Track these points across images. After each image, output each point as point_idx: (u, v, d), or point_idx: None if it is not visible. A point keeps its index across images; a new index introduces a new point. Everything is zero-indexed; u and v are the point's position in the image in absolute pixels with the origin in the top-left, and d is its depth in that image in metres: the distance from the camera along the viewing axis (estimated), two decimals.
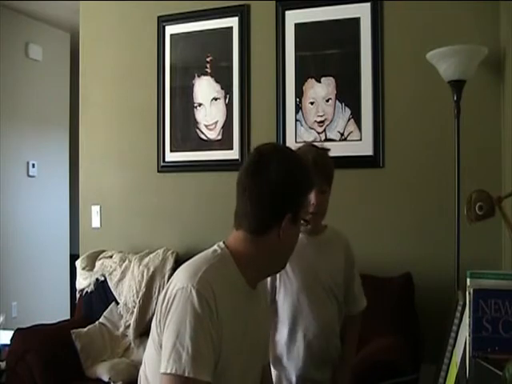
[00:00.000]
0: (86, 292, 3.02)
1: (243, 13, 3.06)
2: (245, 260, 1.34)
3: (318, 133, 2.90)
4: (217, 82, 3.13)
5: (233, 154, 3.02)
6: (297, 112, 2.94)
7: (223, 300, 1.25)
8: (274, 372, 1.74)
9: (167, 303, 1.25)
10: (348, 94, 2.85)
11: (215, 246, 1.37)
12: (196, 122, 3.18)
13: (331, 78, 2.88)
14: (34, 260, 4.67)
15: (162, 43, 3.26)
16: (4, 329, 3.13)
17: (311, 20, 2.92)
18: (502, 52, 2.54)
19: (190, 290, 1.22)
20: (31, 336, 2.60)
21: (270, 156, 1.36)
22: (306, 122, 2.92)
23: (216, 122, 3.13)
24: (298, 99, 2.94)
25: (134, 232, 3.30)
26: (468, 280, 1.05)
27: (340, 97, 2.86)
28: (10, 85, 4.53)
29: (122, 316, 2.86)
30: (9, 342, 2.62)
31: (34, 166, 4.76)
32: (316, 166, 1.65)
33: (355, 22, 2.83)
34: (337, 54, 2.87)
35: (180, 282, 1.26)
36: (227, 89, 3.10)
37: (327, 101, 2.88)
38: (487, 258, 2.53)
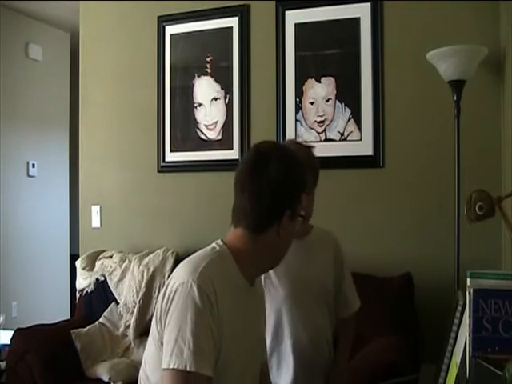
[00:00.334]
0: (86, 292, 3.02)
1: (243, 13, 3.06)
2: (243, 257, 1.35)
3: (318, 133, 2.90)
4: (217, 81, 3.13)
5: (233, 154, 3.02)
6: (297, 112, 2.94)
7: (223, 296, 1.25)
8: None
9: (168, 299, 1.25)
10: (348, 94, 2.85)
11: (213, 244, 1.38)
12: (196, 122, 3.18)
13: (331, 78, 2.88)
14: (34, 260, 4.67)
15: (162, 43, 3.26)
16: (4, 329, 3.13)
17: (311, 20, 2.92)
18: (502, 52, 2.54)
19: (191, 285, 1.22)
20: (31, 336, 2.60)
21: (269, 154, 1.37)
22: (306, 122, 2.92)
23: (216, 122, 3.13)
24: (298, 99, 2.94)
25: (134, 232, 3.30)
26: (468, 280, 1.05)
27: (340, 97, 2.86)
28: (10, 85, 4.53)
29: (121, 316, 2.86)
30: (9, 342, 2.62)
31: (34, 166, 4.76)
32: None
33: (355, 22, 2.83)
34: (337, 53, 2.87)
35: (180, 277, 1.26)
36: (227, 89, 3.10)
37: (327, 101, 2.88)
38: (487, 258, 2.53)
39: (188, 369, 1.17)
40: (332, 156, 2.87)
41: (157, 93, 3.25)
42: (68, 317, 3.97)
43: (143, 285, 2.83)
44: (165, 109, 3.24)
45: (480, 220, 1.64)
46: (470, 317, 1.00)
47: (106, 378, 2.52)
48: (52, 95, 4.94)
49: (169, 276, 1.50)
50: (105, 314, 2.90)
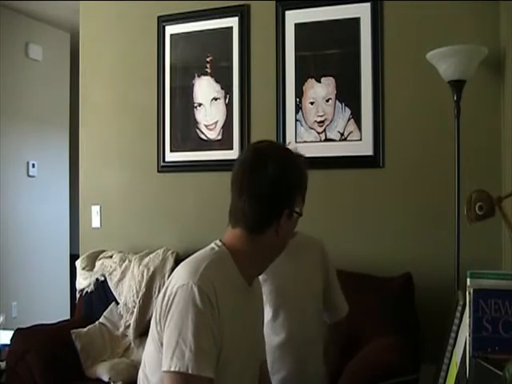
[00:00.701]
0: (86, 292, 3.02)
1: (243, 13, 3.06)
2: (242, 257, 1.35)
3: (318, 133, 2.90)
4: (217, 81, 3.13)
5: (233, 154, 3.02)
6: (297, 112, 2.94)
7: (224, 297, 1.25)
8: None
9: (168, 300, 1.24)
10: (348, 94, 2.85)
11: (212, 244, 1.38)
12: (196, 122, 3.18)
13: (331, 78, 2.88)
14: (34, 260, 4.67)
15: (162, 43, 3.25)
16: (4, 329, 3.13)
17: (311, 20, 2.92)
18: (502, 52, 2.54)
19: (192, 287, 1.22)
20: (31, 336, 2.60)
21: (267, 154, 1.37)
22: (306, 122, 2.92)
23: (216, 122, 3.13)
24: (298, 99, 2.94)
25: (133, 232, 3.30)
26: (468, 280, 1.05)
27: (340, 97, 2.86)
28: (10, 85, 4.53)
29: (121, 316, 2.86)
30: (9, 342, 2.62)
31: (34, 166, 4.76)
32: None
33: (355, 22, 2.82)
34: (337, 53, 2.87)
35: (181, 279, 1.26)
36: (227, 89, 3.10)
37: (327, 101, 2.88)
38: (487, 258, 2.53)
39: (190, 371, 1.17)
40: (332, 156, 2.87)
41: (157, 93, 3.25)
42: (68, 317, 3.97)
43: (143, 285, 2.83)
44: (165, 109, 3.24)
45: (480, 220, 1.64)
46: (469, 317, 1.00)
47: (106, 378, 2.52)
48: (52, 95, 4.95)
49: (169, 276, 1.51)
50: (105, 314, 2.90)
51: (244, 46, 3.05)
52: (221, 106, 3.12)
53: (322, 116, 2.89)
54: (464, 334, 1.03)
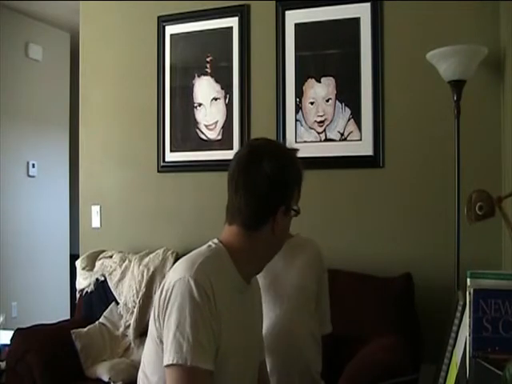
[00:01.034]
0: (86, 292, 3.02)
1: (243, 13, 3.06)
2: (239, 255, 1.35)
3: (318, 133, 2.90)
4: (217, 82, 3.13)
5: (233, 154, 3.00)
6: (297, 112, 2.94)
7: (220, 292, 1.25)
8: None
9: (165, 296, 1.25)
10: (348, 94, 2.85)
11: (209, 242, 1.38)
12: (196, 122, 3.18)
13: (331, 78, 2.88)
14: (34, 260, 4.67)
15: (162, 43, 3.25)
16: (4, 329, 3.13)
17: (311, 20, 2.92)
18: (502, 52, 2.54)
19: (188, 281, 1.22)
20: (31, 336, 2.60)
21: (263, 150, 1.38)
22: (306, 122, 2.92)
23: (216, 122, 3.13)
24: (298, 99, 2.94)
25: (133, 232, 3.30)
26: (468, 280, 1.05)
27: (340, 97, 2.86)
28: (10, 85, 4.53)
29: (121, 316, 2.86)
30: (9, 342, 2.62)
31: (34, 166, 4.76)
32: None
33: (355, 22, 2.82)
34: (337, 53, 2.87)
35: (177, 273, 1.26)
36: (227, 89, 3.10)
37: (327, 101, 2.88)
38: (487, 258, 2.53)
39: (188, 363, 1.17)
40: (332, 156, 2.87)
41: (157, 93, 3.25)
42: (68, 317, 3.97)
43: (143, 285, 2.83)
44: (165, 109, 3.24)
45: (480, 220, 1.63)
46: (470, 317, 1.00)
47: (106, 378, 2.52)
48: (52, 95, 4.95)
49: None
50: (105, 314, 2.90)
51: (244, 46, 3.05)
52: (221, 106, 3.12)
53: (322, 116, 2.89)
54: (464, 334, 1.03)
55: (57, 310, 4.30)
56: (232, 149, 3.04)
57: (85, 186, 3.48)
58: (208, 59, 3.15)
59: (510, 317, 0.99)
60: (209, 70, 3.15)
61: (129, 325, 2.80)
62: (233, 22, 3.08)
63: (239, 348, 1.32)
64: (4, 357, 2.73)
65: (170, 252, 2.94)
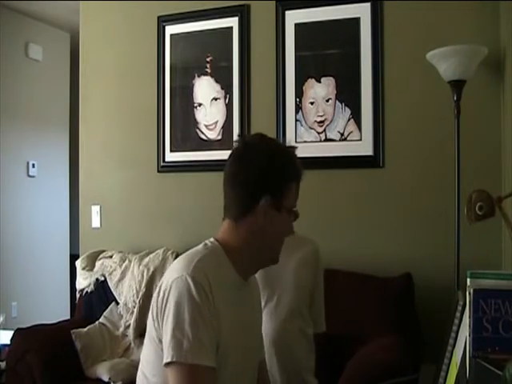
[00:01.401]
0: (86, 292, 3.02)
1: (243, 13, 3.06)
2: (233, 250, 1.35)
3: (318, 133, 2.90)
4: (217, 82, 3.13)
5: None
6: (297, 112, 2.94)
7: (218, 289, 1.25)
8: None
9: (163, 295, 1.24)
10: (348, 94, 2.85)
11: (206, 241, 1.39)
12: (196, 122, 3.18)
13: (331, 78, 2.88)
14: (34, 260, 4.67)
15: (162, 43, 3.25)
16: (4, 329, 3.13)
17: (311, 20, 2.92)
18: (502, 52, 2.54)
19: (186, 278, 1.22)
20: (31, 336, 2.60)
21: (254, 143, 1.40)
22: (306, 122, 2.92)
23: (216, 122, 3.13)
24: (298, 99, 2.94)
25: (133, 232, 3.30)
26: (468, 280, 1.05)
27: (340, 97, 2.86)
28: (10, 85, 4.53)
29: (121, 316, 2.86)
30: (9, 342, 2.62)
31: (34, 166, 4.76)
32: None
33: (355, 22, 2.82)
34: (337, 53, 2.87)
35: (175, 272, 1.27)
36: (227, 89, 3.10)
37: (327, 101, 2.88)
38: (487, 258, 2.53)
39: (189, 361, 1.17)
40: (332, 156, 2.87)
41: (157, 93, 3.25)
42: (68, 317, 3.97)
43: (143, 285, 2.83)
44: (165, 109, 3.24)
45: (480, 220, 1.63)
46: (470, 317, 1.00)
47: (106, 378, 2.52)
48: (52, 95, 4.95)
49: None
50: (105, 314, 2.90)
51: (244, 46, 3.05)
52: (221, 106, 3.12)
53: (322, 116, 2.89)
54: (464, 334, 1.03)
55: (57, 310, 4.30)
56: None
57: (85, 185, 3.47)
58: (208, 59, 3.15)
59: (510, 317, 0.99)
60: (209, 70, 3.15)
61: (129, 325, 2.80)
62: (233, 22, 3.08)
63: (238, 347, 1.32)
64: (4, 357, 2.73)
65: (169, 252, 2.94)
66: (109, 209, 3.38)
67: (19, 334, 2.60)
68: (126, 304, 2.86)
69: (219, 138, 3.11)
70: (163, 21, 3.25)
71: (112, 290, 2.95)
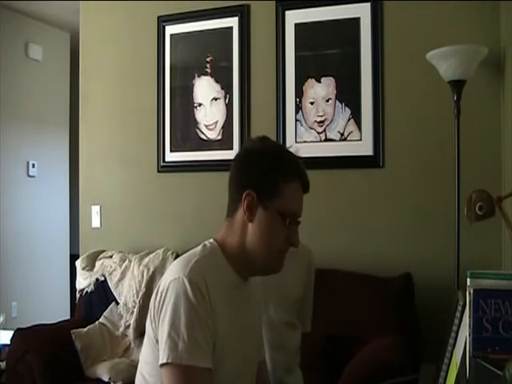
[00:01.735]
0: (86, 292, 3.02)
1: (243, 13, 3.06)
2: (230, 249, 1.35)
3: (318, 133, 2.90)
4: (217, 82, 3.13)
5: (233, 154, 2.95)
6: (297, 112, 2.94)
7: (215, 290, 1.25)
8: None
9: (161, 296, 1.25)
10: (348, 94, 2.85)
11: (205, 242, 1.39)
12: (196, 122, 3.18)
13: (331, 78, 2.88)
14: (34, 260, 4.67)
15: (162, 43, 3.25)
16: (4, 329, 3.14)
17: (311, 20, 2.92)
18: (502, 52, 2.54)
19: (182, 280, 1.22)
20: (31, 336, 2.60)
21: (253, 146, 1.42)
22: (306, 122, 2.92)
23: (216, 122, 3.13)
24: (298, 99, 2.94)
25: (134, 232, 3.30)
26: (468, 280, 1.05)
27: (340, 97, 2.86)
28: (10, 85, 4.53)
29: (121, 316, 2.86)
30: (9, 342, 2.62)
31: (34, 165, 4.76)
32: None
33: (355, 22, 2.82)
34: (337, 53, 2.87)
35: (172, 274, 1.27)
36: (227, 89, 3.10)
37: (327, 101, 2.88)
38: (487, 258, 2.53)
39: (184, 362, 1.17)
40: (332, 156, 2.87)
41: (157, 93, 3.25)
42: (68, 317, 3.97)
43: (143, 285, 2.83)
44: (165, 109, 3.24)
45: (480, 220, 1.63)
46: (470, 317, 1.00)
47: (105, 378, 2.52)
48: (52, 95, 4.95)
49: None
50: (105, 314, 2.90)
51: (244, 46, 3.05)
52: (221, 105, 3.12)
53: (322, 116, 2.89)
54: (464, 334, 1.03)
55: (57, 310, 4.30)
56: (232, 149, 3.04)
57: (85, 185, 3.48)
58: (208, 59, 3.15)
59: (510, 317, 0.99)
60: (209, 70, 3.15)
61: (129, 325, 2.80)
62: (233, 22, 3.08)
63: (236, 347, 1.32)
64: (4, 357, 2.73)
65: (169, 252, 2.94)
66: (109, 209, 3.38)
67: (19, 334, 2.60)
68: (126, 304, 2.86)
69: (219, 138, 3.11)
70: (163, 21, 3.25)
71: (112, 290, 2.95)
